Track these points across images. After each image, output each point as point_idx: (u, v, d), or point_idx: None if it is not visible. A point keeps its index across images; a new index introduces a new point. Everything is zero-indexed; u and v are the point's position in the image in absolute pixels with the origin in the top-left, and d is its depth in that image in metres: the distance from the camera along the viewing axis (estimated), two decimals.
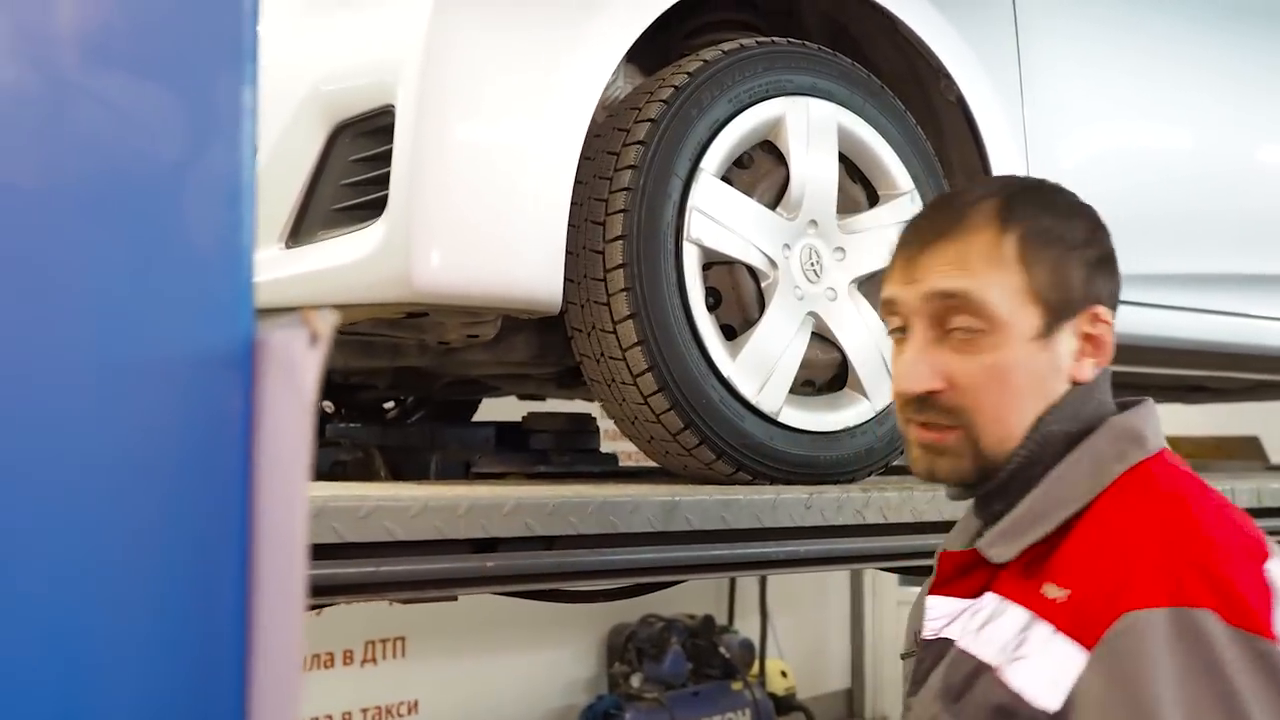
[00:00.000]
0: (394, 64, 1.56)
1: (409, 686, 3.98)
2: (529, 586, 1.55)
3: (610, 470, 2.16)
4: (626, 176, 1.67)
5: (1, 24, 0.49)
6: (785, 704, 4.72)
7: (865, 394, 1.87)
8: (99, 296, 0.53)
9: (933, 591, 1.17)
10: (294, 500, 0.54)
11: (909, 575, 3.64)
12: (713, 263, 1.75)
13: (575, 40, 1.64)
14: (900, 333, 1.17)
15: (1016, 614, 1.05)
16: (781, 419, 1.77)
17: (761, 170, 1.83)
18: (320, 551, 1.31)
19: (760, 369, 1.75)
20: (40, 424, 0.53)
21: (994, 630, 1.06)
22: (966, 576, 1.14)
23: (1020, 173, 2.09)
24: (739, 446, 1.73)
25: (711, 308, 1.75)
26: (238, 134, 0.54)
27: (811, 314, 1.81)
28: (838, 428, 1.84)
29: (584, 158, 1.65)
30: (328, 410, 2.77)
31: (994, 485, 1.13)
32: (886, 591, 5.41)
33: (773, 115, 1.80)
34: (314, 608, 1.54)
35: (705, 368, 1.70)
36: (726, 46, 1.79)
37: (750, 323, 1.78)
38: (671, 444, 1.73)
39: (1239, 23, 2.68)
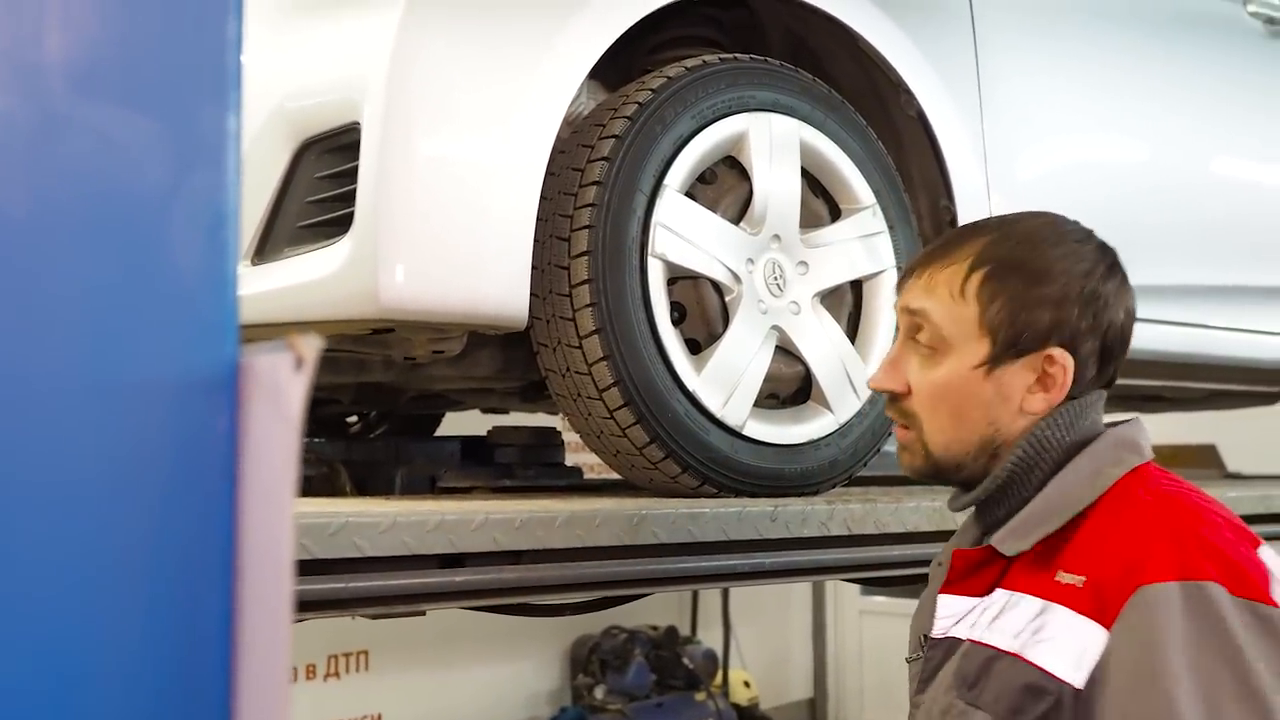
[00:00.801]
0: (359, 81, 1.57)
1: (372, 700, 3.96)
2: (498, 601, 1.56)
3: (576, 484, 2.17)
4: (591, 192, 1.68)
5: None
6: (749, 714, 4.74)
7: (829, 407, 1.89)
8: (86, 321, 0.53)
9: (943, 590, 1.25)
10: (280, 522, 0.54)
11: (872, 586, 3.67)
12: (677, 277, 1.77)
13: (540, 57, 1.65)
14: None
15: (1030, 604, 1.14)
16: (746, 432, 1.79)
17: (725, 186, 1.84)
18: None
19: (725, 383, 1.77)
20: (28, 446, 0.53)
21: (1007, 621, 1.15)
22: (975, 575, 1.23)
23: (981, 185, 2.12)
24: (704, 460, 1.74)
25: (676, 322, 1.77)
26: (222, 160, 0.54)
27: (775, 328, 1.83)
28: (802, 440, 1.86)
29: (549, 174, 1.66)
30: None
31: (991, 493, 1.24)
32: (848, 601, 5.44)
33: (736, 131, 1.82)
34: None
35: (670, 382, 1.71)
36: (690, 63, 1.80)
37: (715, 337, 1.79)
38: (637, 458, 1.74)
39: (1194, 33, 2.74)
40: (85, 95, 0.51)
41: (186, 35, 0.54)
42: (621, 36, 1.75)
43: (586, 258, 1.67)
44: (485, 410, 2.78)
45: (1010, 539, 1.19)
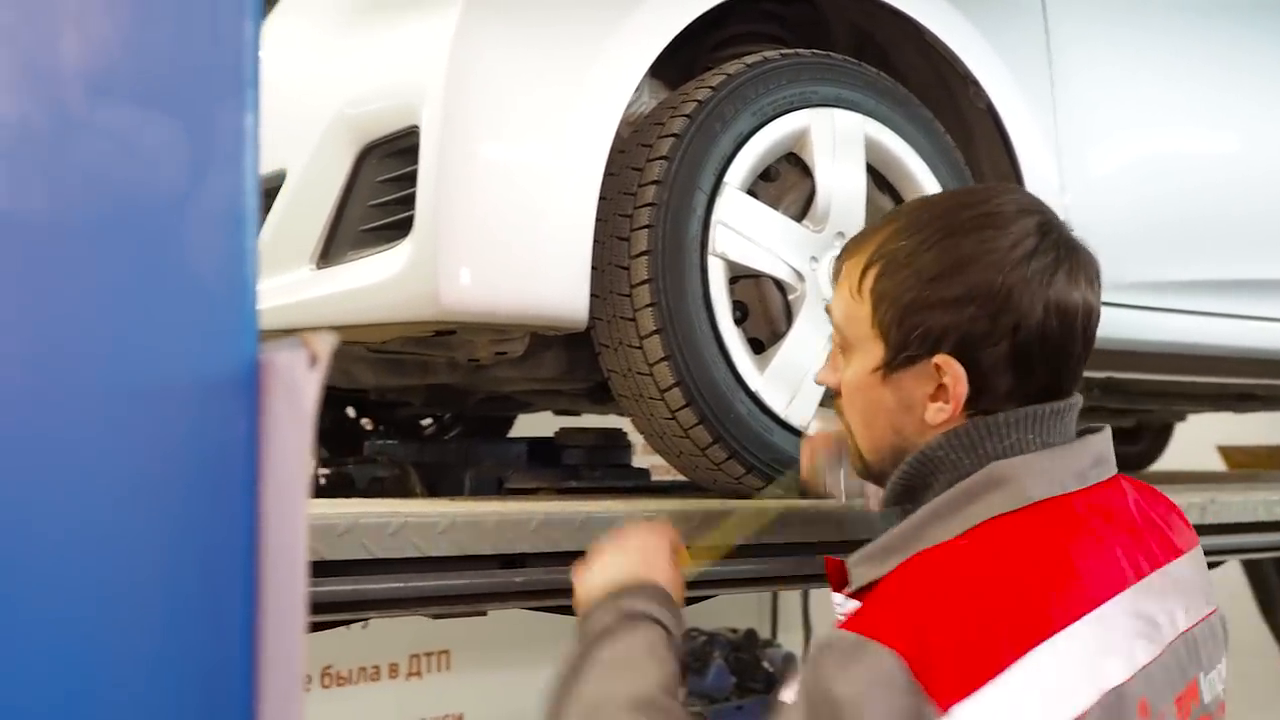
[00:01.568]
0: (418, 84, 1.58)
1: (453, 699, 3.99)
2: (557, 601, 1.55)
3: (642, 485, 2.16)
4: (651, 192, 1.67)
5: (5, 58, 0.51)
6: None
7: None
8: (106, 323, 0.54)
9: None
10: (296, 519, 0.54)
11: None
12: (739, 276, 1.75)
13: (598, 57, 1.65)
14: None
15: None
16: (811, 432, 1.76)
17: (788, 183, 1.82)
18: (350, 567, 1.32)
19: (789, 382, 1.75)
20: (49, 448, 0.54)
21: None
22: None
23: (1054, 180, 2.07)
24: (769, 461, 1.72)
25: (738, 321, 1.75)
26: (240, 161, 0.55)
27: None
28: None
29: (608, 173, 1.66)
30: (365, 427, 2.79)
31: (889, 508, 1.15)
32: None
33: (798, 127, 1.79)
34: (347, 622, 1.56)
35: (733, 381, 1.69)
36: (750, 59, 1.79)
37: (778, 336, 1.77)
38: (700, 458, 1.73)
39: (1273, 21, 2.64)
40: (101, 97, 0.52)
41: (203, 36, 0.55)
42: (682, 34, 1.74)
43: (646, 257, 1.66)
44: (557, 412, 2.79)
45: (861, 565, 1.09)
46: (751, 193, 1.76)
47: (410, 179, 1.59)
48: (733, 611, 4.62)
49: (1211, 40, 2.50)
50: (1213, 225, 2.41)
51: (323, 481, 2.18)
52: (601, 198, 1.65)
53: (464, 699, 4.02)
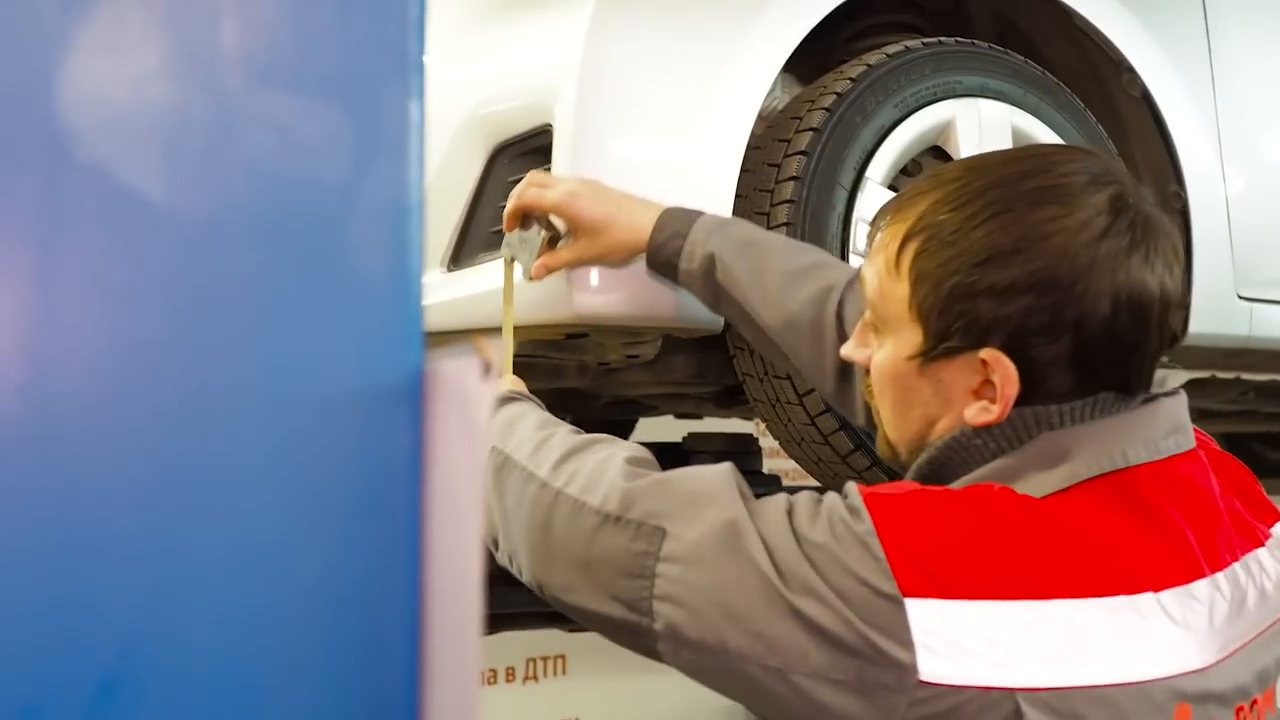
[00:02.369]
0: (551, 82, 1.54)
1: (570, 704, 3.98)
2: None
3: (773, 492, 2.09)
4: (789, 189, 1.61)
5: (164, 46, 0.48)
6: None
7: None
8: (267, 326, 0.50)
9: None
10: (469, 534, 0.50)
11: None
12: None
13: (732, 53, 1.60)
14: None
15: None
16: None
17: None
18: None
19: None
20: (211, 458, 0.51)
21: None
22: None
23: (1215, 171, 1.95)
24: None
25: None
26: (405, 151, 0.50)
27: None
28: None
29: (744, 171, 1.60)
30: None
31: None
32: None
33: (942, 119, 1.71)
34: None
35: None
36: (891, 49, 1.71)
37: None
38: (840, 466, 1.66)
39: None
40: (261, 85, 0.48)
41: (366, 17, 0.51)
42: (819, 28, 1.68)
43: None
44: (679, 416, 2.74)
45: None
46: (893, 188, 1.69)
47: None
48: None
49: None
50: None
51: None
52: (737, 196, 1.59)
53: (580, 703, 4.00)
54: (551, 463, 1.06)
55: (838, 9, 1.71)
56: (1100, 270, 0.90)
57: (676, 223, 1.38)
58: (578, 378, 1.97)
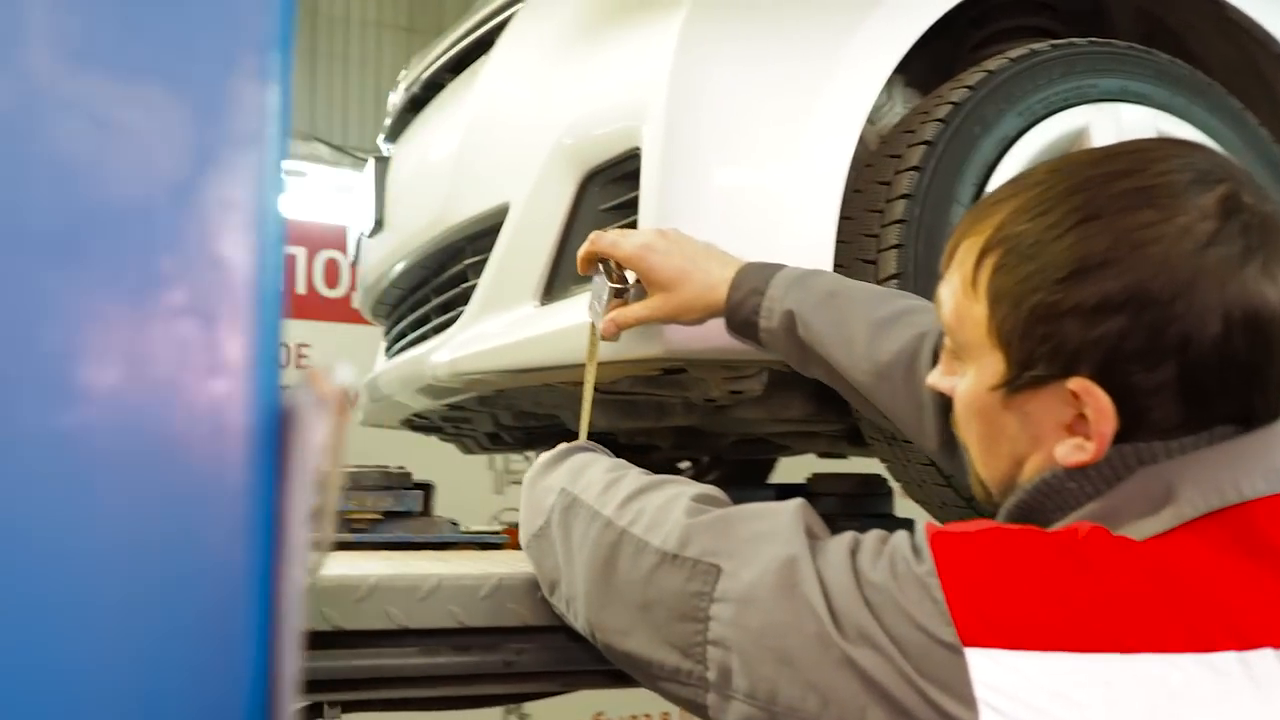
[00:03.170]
0: (638, 103, 1.47)
1: (597, 698, 3.94)
2: None
3: None
4: (900, 207, 1.48)
5: None
6: None
7: None
8: (80, 357, 0.43)
9: None
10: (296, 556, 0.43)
11: None
12: None
13: (832, 66, 1.48)
14: None
15: None
16: None
17: None
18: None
19: None
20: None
21: None
22: None
23: None
24: None
25: None
26: (259, 143, 0.42)
27: None
28: None
29: (852, 190, 1.48)
30: None
31: None
32: None
33: (1074, 127, 1.56)
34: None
35: None
36: (1014, 53, 1.57)
37: None
38: (964, 510, 1.51)
39: None
40: (75, 70, 0.41)
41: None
42: (941, 35, 1.55)
43: (896, 282, 1.47)
44: (821, 455, 2.61)
45: None
46: None
47: (632, 206, 1.47)
48: None
49: None
50: None
51: None
52: (844, 217, 1.47)
53: (604, 699, 3.96)
54: (618, 502, 1.03)
55: (960, 16, 1.58)
56: (1207, 283, 0.77)
57: (754, 279, 1.27)
58: (685, 415, 1.88)
